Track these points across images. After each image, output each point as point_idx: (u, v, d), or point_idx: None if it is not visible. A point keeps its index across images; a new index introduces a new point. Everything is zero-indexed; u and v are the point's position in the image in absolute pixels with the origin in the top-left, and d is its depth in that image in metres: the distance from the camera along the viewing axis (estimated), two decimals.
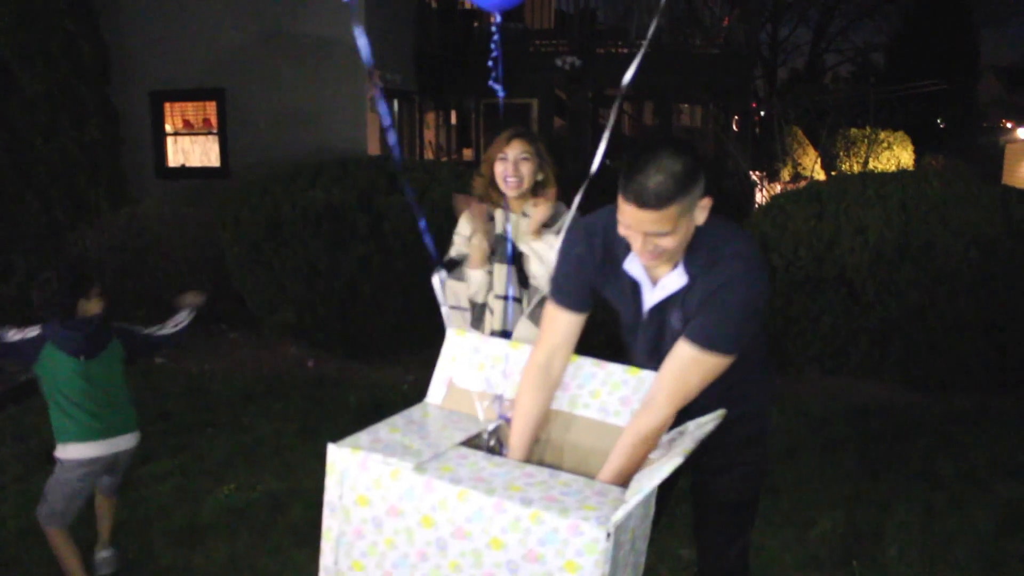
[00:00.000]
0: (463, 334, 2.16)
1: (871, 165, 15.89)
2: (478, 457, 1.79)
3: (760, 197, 11.88)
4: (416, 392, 2.15)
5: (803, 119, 16.54)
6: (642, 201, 1.88)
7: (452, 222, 3.39)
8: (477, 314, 3.25)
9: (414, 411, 2.01)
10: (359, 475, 1.73)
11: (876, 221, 5.51)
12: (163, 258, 7.06)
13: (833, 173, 14.99)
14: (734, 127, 13.65)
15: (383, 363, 6.11)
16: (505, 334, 3.10)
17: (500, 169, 3.12)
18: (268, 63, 11.47)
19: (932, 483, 4.27)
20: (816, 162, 15.92)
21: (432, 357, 2.20)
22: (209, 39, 11.52)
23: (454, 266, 3.24)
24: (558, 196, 3.24)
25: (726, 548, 2.39)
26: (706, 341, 1.98)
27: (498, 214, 3.19)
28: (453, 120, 14.90)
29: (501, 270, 3.12)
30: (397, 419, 1.94)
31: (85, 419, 3.11)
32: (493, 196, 3.19)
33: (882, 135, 17.00)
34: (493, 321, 3.15)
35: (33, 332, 3.15)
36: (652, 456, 1.89)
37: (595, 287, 2.23)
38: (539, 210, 3.07)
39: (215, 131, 12.08)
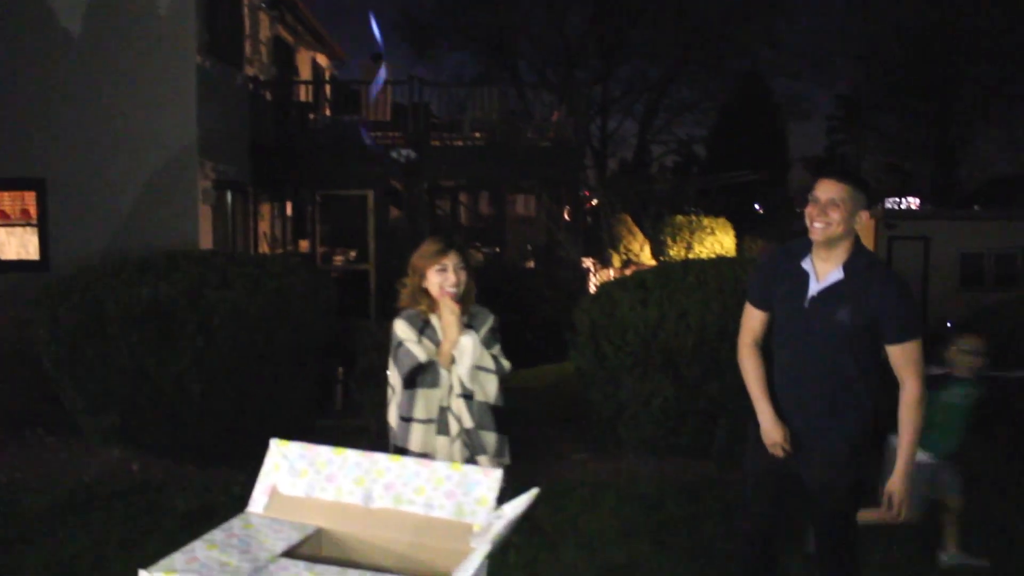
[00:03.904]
0: (286, 444, 2.13)
1: (696, 249, 16.79)
2: (300, 568, 1.76)
3: (593, 283, 12.30)
4: (248, 493, 2.09)
5: (629, 208, 17.31)
6: (835, 175, 3.02)
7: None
8: (442, 420, 3.15)
9: (234, 523, 1.95)
10: None
11: (697, 305, 5.80)
12: None
13: (662, 259, 15.70)
14: (566, 216, 14.14)
15: (213, 464, 5.87)
16: (468, 432, 3.12)
17: (438, 279, 3.18)
18: (94, 152, 11.06)
19: None
20: (643, 248, 16.65)
21: (265, 457, 2.16)
22: (27, 126, 11.02)
23: (419, 372, 3.13)
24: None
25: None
26: (909, 333, 2.96)
27: (433, 319, 3.22)
28: (288, 212, 14.77)
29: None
30: (216, 533, 1.88)
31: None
32: (423, 302, 3.23)
33: (705, 221, 18.00)
34: (463, 420, 3.12)
35: None
36: (473, 543, 1.91)
37: (770, 289, 3.18)
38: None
39: (34, 222, 11.49)
